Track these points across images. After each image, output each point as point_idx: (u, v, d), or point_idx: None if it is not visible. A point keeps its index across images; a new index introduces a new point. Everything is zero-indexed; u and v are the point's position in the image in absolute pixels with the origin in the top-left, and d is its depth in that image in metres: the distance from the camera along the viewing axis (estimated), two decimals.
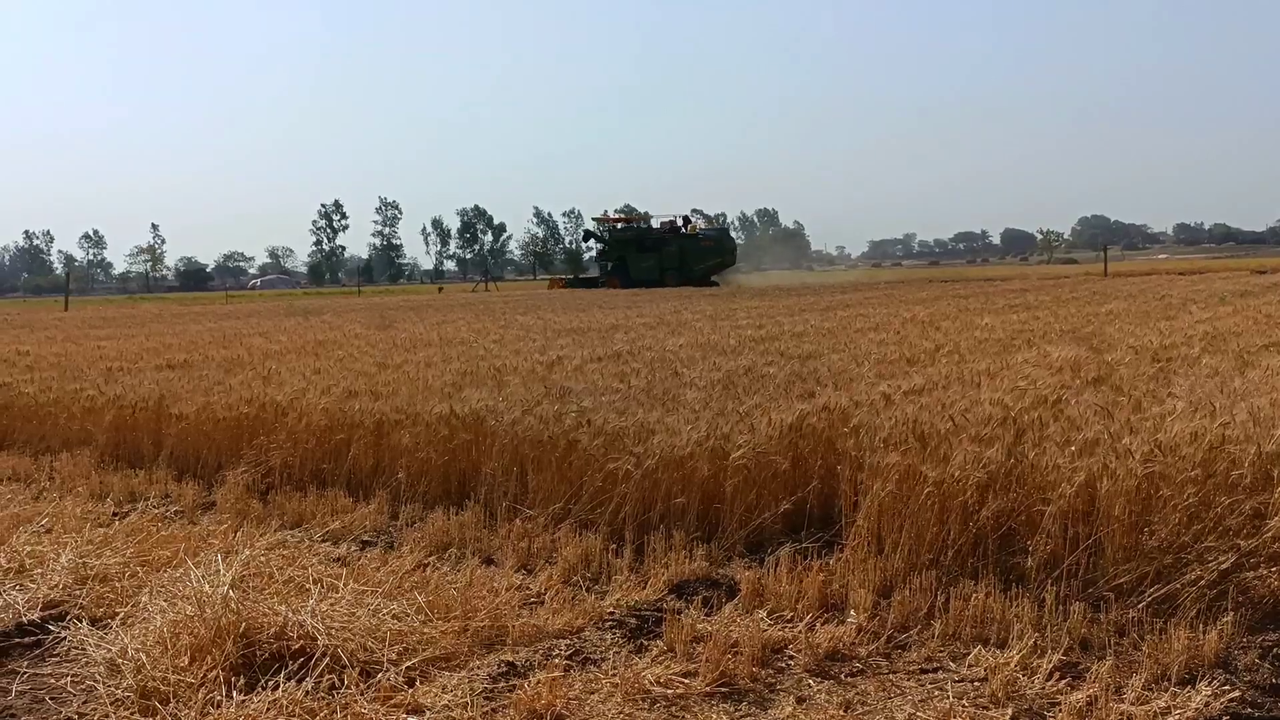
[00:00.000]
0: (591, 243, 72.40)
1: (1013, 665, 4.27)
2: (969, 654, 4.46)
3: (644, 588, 5.39)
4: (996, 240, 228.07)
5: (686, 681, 4.24)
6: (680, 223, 65.68)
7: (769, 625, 4.80)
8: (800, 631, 4.70)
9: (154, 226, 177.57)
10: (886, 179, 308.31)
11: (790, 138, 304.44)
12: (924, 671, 4.37)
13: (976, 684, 4.21)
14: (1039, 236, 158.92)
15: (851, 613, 4.90)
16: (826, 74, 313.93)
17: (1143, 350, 10.56)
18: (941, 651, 4.54)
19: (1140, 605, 4.70)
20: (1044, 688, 4.11)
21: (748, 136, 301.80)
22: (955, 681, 4.25)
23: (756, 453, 6.25)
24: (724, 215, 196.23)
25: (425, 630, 4.65)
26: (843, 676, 4.33)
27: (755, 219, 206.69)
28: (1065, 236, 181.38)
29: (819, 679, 4.31)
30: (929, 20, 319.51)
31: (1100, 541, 5.02)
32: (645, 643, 4.70)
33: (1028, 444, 5.72)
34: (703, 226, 71.05)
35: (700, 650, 4.49)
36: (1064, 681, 4.15)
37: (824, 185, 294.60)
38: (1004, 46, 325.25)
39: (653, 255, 62.17)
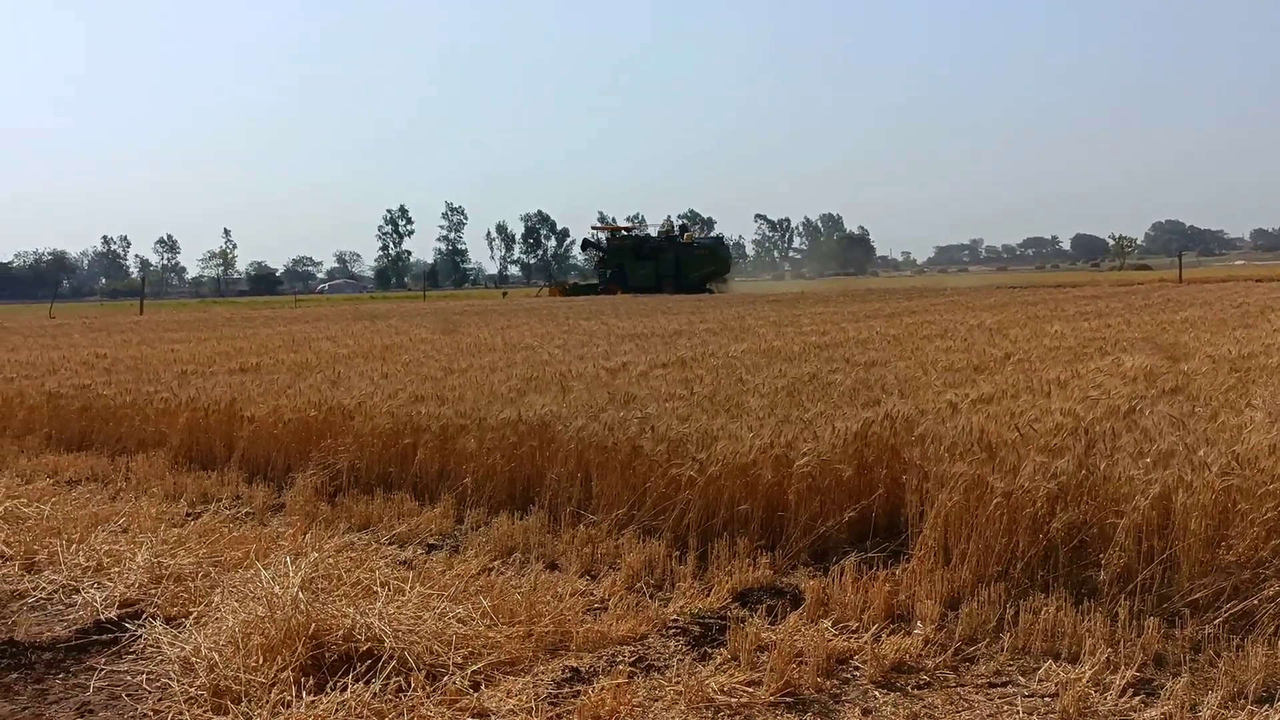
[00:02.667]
0: (590, 251, 74.50)
1: (1085, 681, 4.20)
2: (1039, 669, 4.39)
3: (708, 595, 5.38)
4: (1067, 246, 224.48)
5: (751, 690, 4.22)
6: (676, 232, 67.79)
7: (834, 635, 4.76)
8: (866, 642, 4.65)
9: (226, 231, 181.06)
10: (953, 183, 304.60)
11: (855, 141, 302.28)
12: (993, 685, 4.30)
13: (1047, 699, 4.14)
14: (1111, 242, 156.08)
15: (918, 624, 4.85)
16: (893, 76, 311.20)
17: (1220, 359, 10.31)
18: (1011, 665, 4.47)
19: (1216, 621, 4.59)
20: (1117, 704, 4.03)
21: (810, 140, 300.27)
22: (1025, 696, 4.19)
23: (821, 461, 6.20)
24: (787, 220, 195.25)
25: (490, 634, 4.69)
26: (909, 689, 4.29)
27: (819, 224, 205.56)
28: (1138, 242, 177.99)
29: (885, 691, 4.27)
30: (1000, 22, 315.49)
31: (1175, 556, 4.91)
32: (709, 651, 4.69)
33: (1100, 455, 5.61)
34: (698, 236, 72.65)
35: (765, 659, 4.47)
36: (1138, 698, 4.07)
37: (890, 190, 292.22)
38: (1076, 48, 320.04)
39: (650, 263, 63.98)
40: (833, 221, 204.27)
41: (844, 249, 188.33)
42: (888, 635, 4.74)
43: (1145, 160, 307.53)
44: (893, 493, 6.19)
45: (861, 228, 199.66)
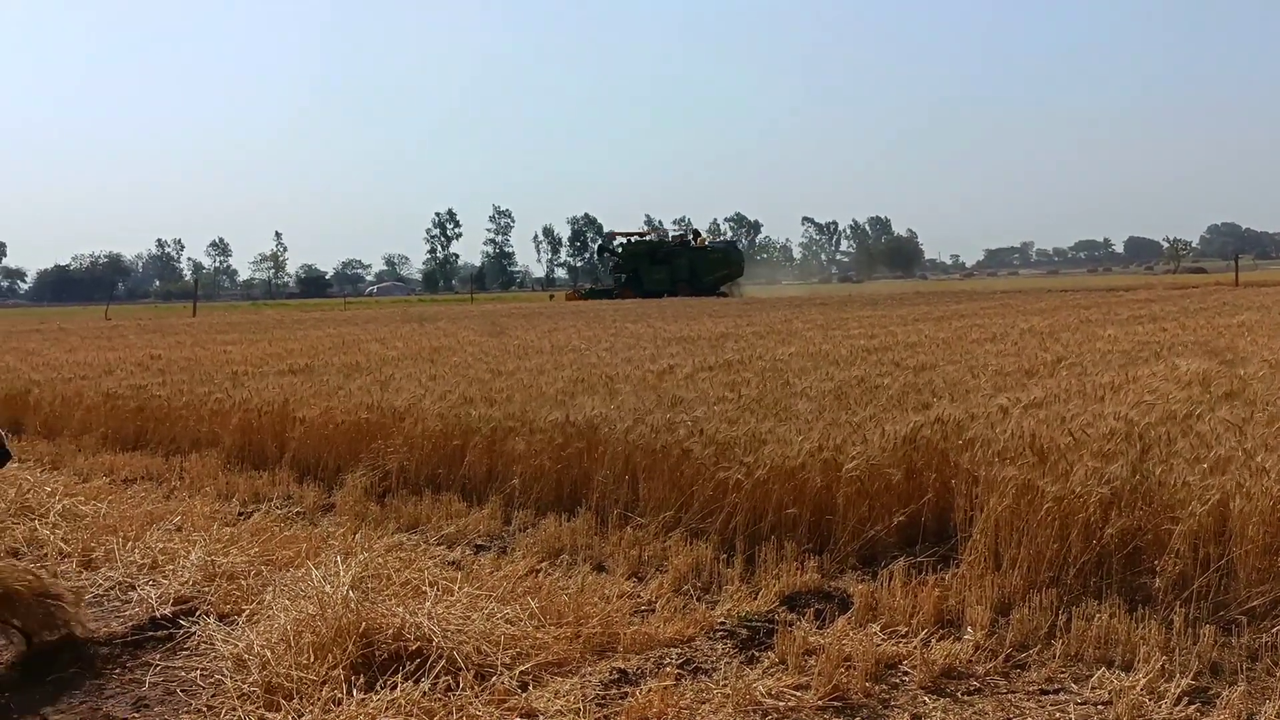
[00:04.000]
0: (606, 257, 75.50)
1: (1139, 689, 4.14)
2: (1092, 676, 4.33)
3: (755, 598, 5.36)
4: (1120, 249, 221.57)
5: (799, 694, 4.20)
6: (690, 236, 69.44)
7: (883, 640, 4.73)
8: (915, 647, 4.62)
9: (277, 234, 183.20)
10: (1003, 186, 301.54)
11: (904, 144, 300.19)
12: (1044, 692, 4.25)
13: (1100, 707, 4.08)
14: (1165, 245, 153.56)
15: (968, 629, 4.80)
16: (943, 77, 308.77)
17: (1278, 364, 10.12)
18: (1063, 672, 4.41)
19: (1275, 630, 4.51)
20: (1171, 713, 3.97)
21: (858, 142, 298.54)
22: (1078, 704, 4.13)
23: (870, 464, 6.17)
24: (835, 223, 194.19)
25: (538, 635, 4.71)
26: (959, 695, 4.25)
27: (867, 227, 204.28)
28: (1193, 245, 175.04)
29: (935, 696, 4.23)
30: (1053, 20, 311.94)
31: (1232, 563, 4.83)
32: (756, 654, 4.67)
33: (1155, 460, 5.54)
34: (710, 240, 73.69)
35: (812, 663, 4.45)
36: (1193, 707, 4.00)
37: (939, 192, 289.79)
38: (1130, 46, 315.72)
39: (665, 267, 64.92)
40: (880, 224, 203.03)
41: (891, 252, 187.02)
42: (937, 640, 4.70)
43: (1201, 161, 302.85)
44: (942, 497, 6.15)
45: (910, 230, 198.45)
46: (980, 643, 4.65)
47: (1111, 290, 42.76)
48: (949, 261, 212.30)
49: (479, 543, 6.69)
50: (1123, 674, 4.31)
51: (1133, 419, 6.56)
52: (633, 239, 73.25)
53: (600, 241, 74.47)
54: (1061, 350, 12.60)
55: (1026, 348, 13.34)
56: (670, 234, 70.88)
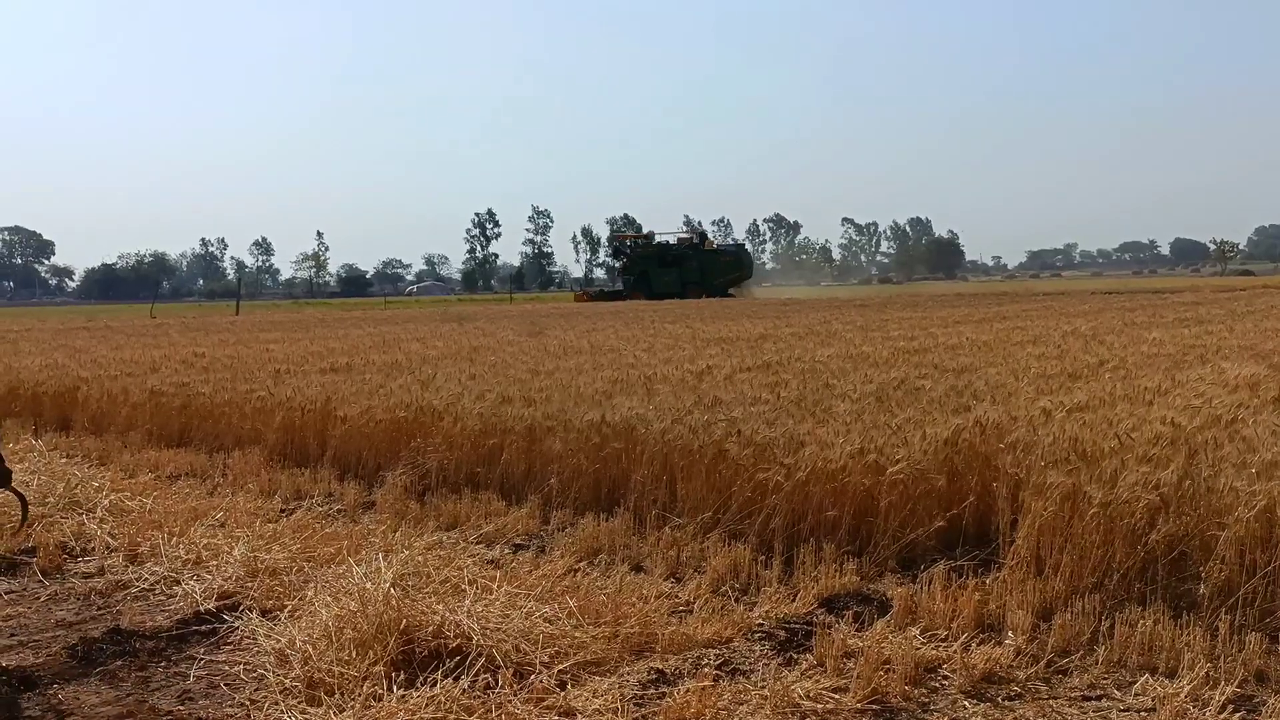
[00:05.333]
0: (618, 258, 76.28)
1: (1183, 696, 4.09)
2: (1135, 682, 4.29)
3: (793, 600, 5.35)
4: (1165, 251, 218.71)
5: (837, 697, 4.19)
6: (697, 239, 69.93)
7: (922, 644, 4.70)
8: (955, 651, 4.59)
9: (319, 234, 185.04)
10: (1047, 187, 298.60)
11: (945, 143, 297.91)
12: (1086, 699, 4.21)
13: (1143, 714, 4.04)
14: (1212, 247, 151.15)
15: (1009, 634, 4.76)
16: (985, 76, 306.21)
17: None
18: (1105, 679, 4.37)
19: None
20: None
21: (899, 142, 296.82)
22: (1121, 711, 4.09)
23: (910, 467, 6.13)
24: (875, 224, 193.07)
25: (576, 634, 4.72)
26: (1000, 700, 4.21)
27: (907, 228, 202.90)
28: (1241, 247, 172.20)
29: (975, 701, 4.20)
30: (1099, 18, 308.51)
31: None
32: (795, 656, 4.66)
33: (1202, 465, 5.46)
34: (724, 243, 74.31)
35: (851, 666, 4.44)
36: (1238, 715, 3.95)
37: (981, 193, 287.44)
38: (1177, 45, 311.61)
39: (674, 269, 65.42)
40: (921, 225, 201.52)
41: (932, 253, 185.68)
42: (977, 645, 4.67)
43: (1248, 162, 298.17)
44: (983, 501, 6.10)
45: (951, 231, 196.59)
46: (1021, 648, 4.61)
47: (1157, 292, 42.21)
48: (990, 263, 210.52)
49: (517, 542, 6.72)
50: (1166, 681, 4.26)
51: (1179, 423, 6.48)
52: (639, 241, 74.32)
53: (614, 244, 75.09)
54: (1106, 353, 12.46)
55: (1070, 350, 13.20)
56: (674, 237, 71.50)
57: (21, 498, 6.52)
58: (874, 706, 4.15)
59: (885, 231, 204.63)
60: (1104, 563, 5.12)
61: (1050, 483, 5.45)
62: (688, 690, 4.18)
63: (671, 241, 70.44)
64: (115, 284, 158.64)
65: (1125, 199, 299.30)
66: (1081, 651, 4.59)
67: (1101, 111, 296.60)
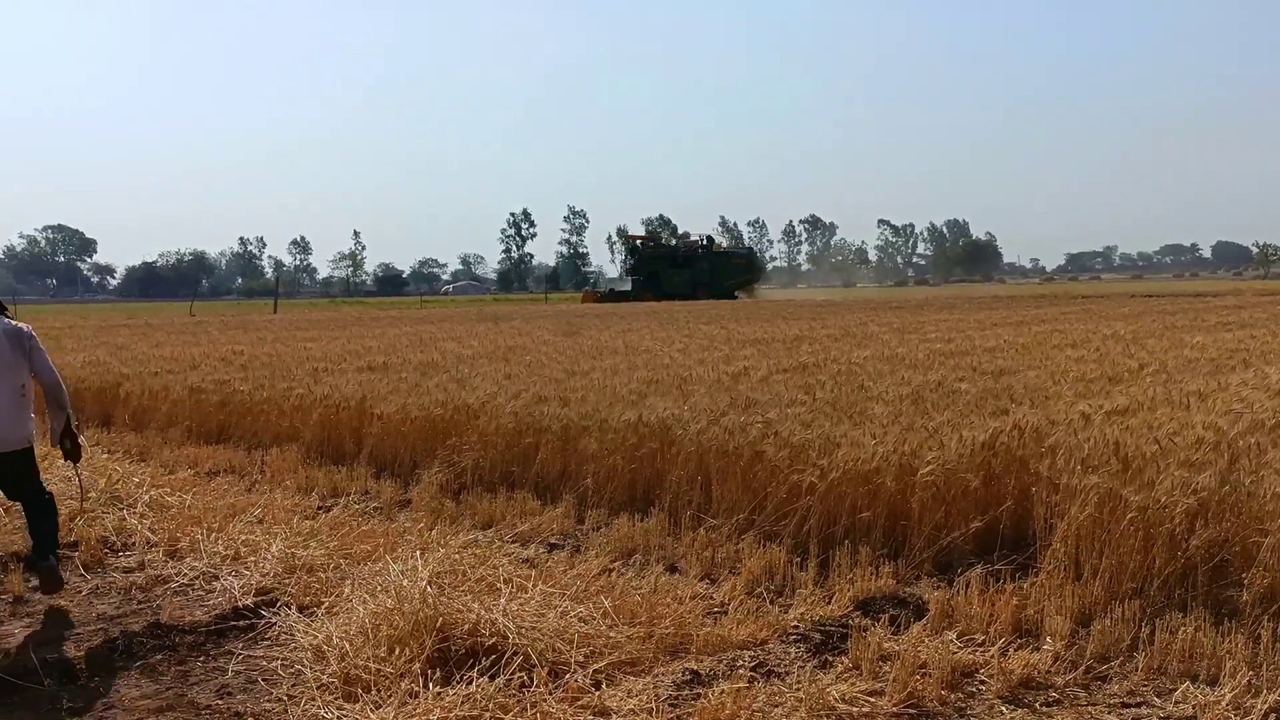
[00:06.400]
0: (628, 259, 76.80)
1: (1224, 704, 4.03)
2: (1175, 690, 4.23)
3: (829, 603, 5.33)
4: (1207, 253, 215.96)
5: (873, 700, 4.17)
6: (705, 241, 70.82)
7: (959, 648, 4.67)
8: (992, 656, 4.55)
9: (356, 234, 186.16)
10: (1087, 188, 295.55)
11: (983, 145, 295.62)
12: (1126, 706, 4.16)
13: None
14: (1255, 250, 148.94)
15: (1047, 640, 4.71)
16: (1023, 77, 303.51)
17: None
18: (1145, 686, 4.32)
19: None
20: None
21: (935, 143, 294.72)
22: (1161, 718, 4.04)
23: (946, 470, 6.09)
24: (912, 225, 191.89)
25: (611, 634, 4.72)
26: (1037, 706, 4.17)
27: (944, 230, 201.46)
28: None
29: (1012, 706, 4.16)
30: (1137, 18, 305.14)
31: None
32: (830, 659, 4.64)
33: (1244, 471, 5.39)
34: (736, 246, 74.76)
35: (887, 670, 4.41)
36: None
37: (1019, 195, 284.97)
38: (1216, 45, 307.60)
39: (685, 271, 66.25)
40: (958, 227, 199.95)
41: (969, 255, 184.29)
42: (1015, 650, 4.63)
43: None
44: (1021, 504, 6.05)
45: (988, 233, 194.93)
46: (1060, 653, 4.57)
47: (1198, 296, 41.68)
48: (1028, 265, 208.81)
49: (552, 541, 6.73)
50: (1207, 689, 4.21)
51: (1221, 428, 6.39)
52: (649, 243, 75.69)
53: (629, 244, 75.94)
54: (1146, 357, 12.32)
55: (1109, 354, 13.07)
56: (678, 239, 72.89)
57: (82, 482, 6.63)
58: (910, 711, 4.12)
59: (922, 233, 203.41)
60: (1144, 568, 5.07)
61: (1089, 487, 5.40)
62: (722, 692, 4.18)
63: (680, 244, 71.55)
64: (155, 282, 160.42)
65: (1166, 201, 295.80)
66: (1121, 658, 4.54)
67: (1142, 112, 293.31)
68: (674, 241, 77.75)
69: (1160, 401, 8.06)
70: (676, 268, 66.92)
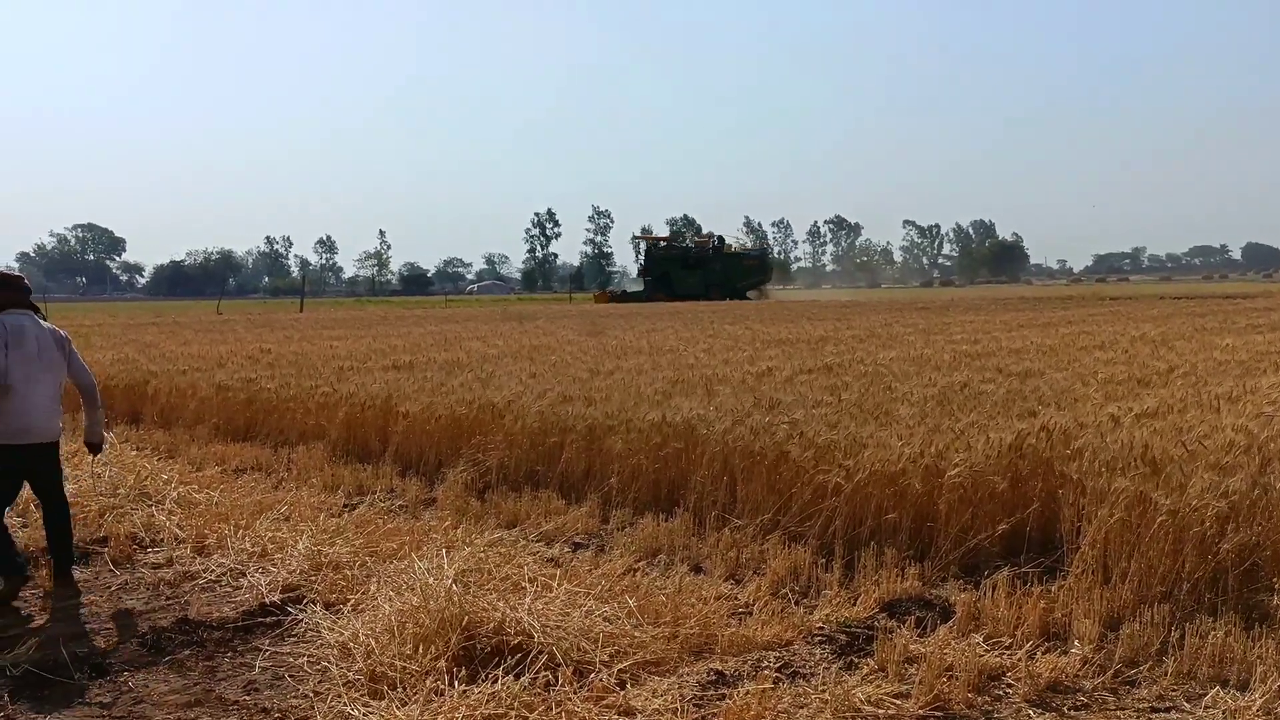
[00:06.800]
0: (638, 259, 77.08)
1: (1254, 710, 3.99)
2: (1205, 695, 4.19)
3: (854, 604, 5.31)
4: (1237, 255, 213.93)
5: (899, 703, 4.14)
6: (716, 242, 71.10)
7: (986, 651, 4.64)
8: (1019, 659, 4.52)
9: (381, 233, 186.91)
10: (1115, 189, 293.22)
11: (1009, 145, 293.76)
12: (1155, 710, 4.13)
13: None
14: None
15: (1075, 643, 4.68)
16: (1049, 76, 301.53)
17: None
18: (1175, 690, 4.28)
19: None
20: None
21: (962, 144, 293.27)
22: None
23: (973, 472, 6.06)
24: (938, 226, 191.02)
25: (636, 634, 4.72)
26: (1065, 710, 4.14)
27: (970, 230, 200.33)
28: None
29: (1040, 710, 4.13)
30: (1165, 17, 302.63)
31: None
32: (855, 660, 4.63)
33: (1275, 474, 5.34)
34: (748, 248, 74.94)
35: (913, 672, 4.39)
36: None
37: (1046, 195, 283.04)
38: (1243, 50, 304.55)
39: (697, 271, 66.60)
40: (984, 228, 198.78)
41: (995, 256, 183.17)
42: (1042, 653, 4.59)
43: None
44: (1048, 507, 6.01)
45: (1015, 234, 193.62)
46: (1088, 657, 4.53)
47: (1228, 298, 41.29)
48: (1055, 266, 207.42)
49: (577, 540, 6.74)
50: (1238, 694, 4.17)
51: (1252, 431, 6.34)
52: (661, 243, 75.92)
53: (637, 245, 76.62)
54: (1175, 359, 12.22)
55: (1138, 356, 12.97)
56: (690, 240, 73.50)
57: (109, 475, 6.71)
58: (936, 714, 4.10)
59: (947, 234, 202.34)
60: (1173, 572, 5.03)
61: (1117, 490, 5.36)
62: (747, 692, 4.17)
63: (692, 245, 71.85)
64: (183, 280, 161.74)
65: (1195, 202, 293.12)
66: (1150, 662, 4.50)
67: (1172, 112, 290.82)
68: (686, 242, 78.11)
69: (1190, 404, 7.99)
70: (688, 268, 67.26)
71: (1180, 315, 25.45)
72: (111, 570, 6.32)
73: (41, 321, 6.11)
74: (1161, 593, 4.97)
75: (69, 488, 7.88)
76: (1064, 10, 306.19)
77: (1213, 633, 4.53)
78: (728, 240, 73.06)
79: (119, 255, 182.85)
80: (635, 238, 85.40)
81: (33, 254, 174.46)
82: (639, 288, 71.44)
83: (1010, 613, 4.96)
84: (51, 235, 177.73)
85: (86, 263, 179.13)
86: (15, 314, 5.97)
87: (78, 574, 6.22)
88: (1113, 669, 4.44)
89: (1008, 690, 4.32)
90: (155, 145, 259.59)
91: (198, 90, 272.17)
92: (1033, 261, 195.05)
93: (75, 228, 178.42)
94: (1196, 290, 61.79)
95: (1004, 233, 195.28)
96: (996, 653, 4.63)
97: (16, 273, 6.23)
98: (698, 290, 62.42)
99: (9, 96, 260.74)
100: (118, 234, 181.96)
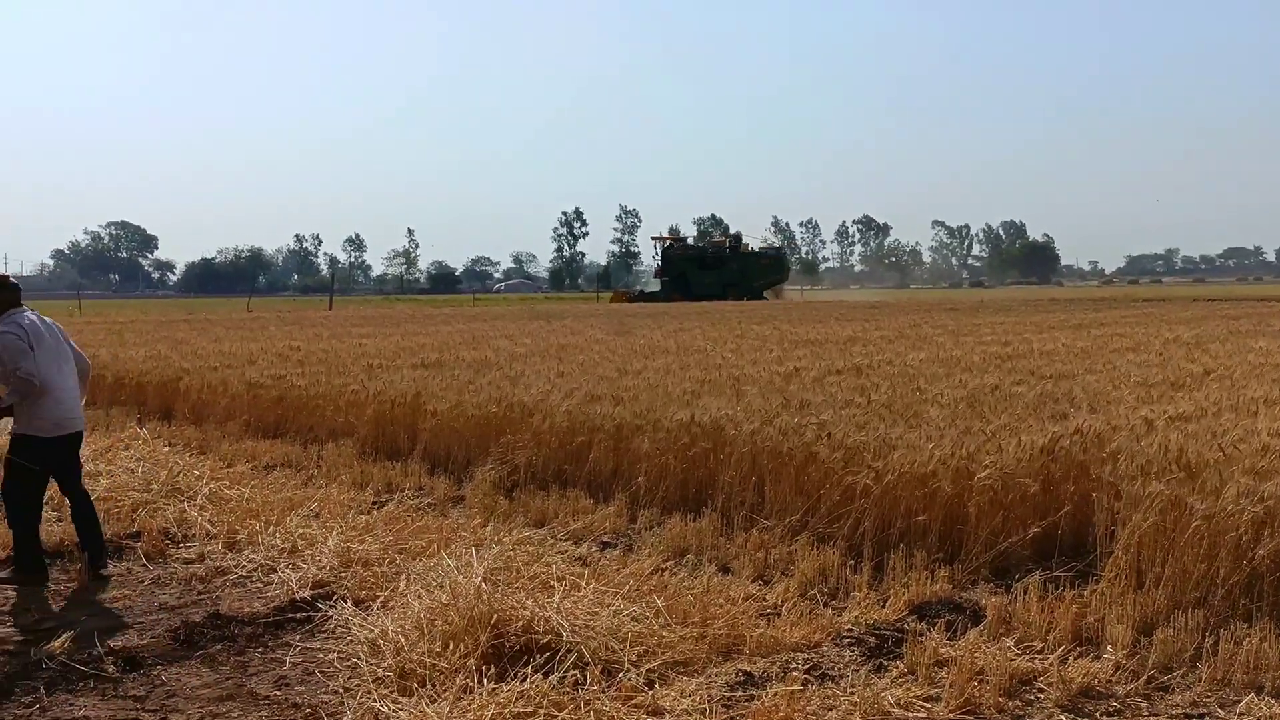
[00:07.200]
0: (655, 260, 77.79)
1: None
2: (1240, 701, 4.15)
3: (883, 607, 5.28)
4: (1271, 257, 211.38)
5: (928, 706, 4.12)
6: (733, 242, 71.54)
7: (1017, 655, 4.61)
8: (1051, 664, 4.48)
9: (409, 232, 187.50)
10: (1147, 190, 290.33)
11: (1041, 145, 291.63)
12: (1189, 717, 4.09)
13: None
14: None
15: (1108, 648, 4.64)
16: (1080, 75, 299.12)
17: None
18: (1209, 697, 4.24)
19: None
20: None
21: (993, 144, 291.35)
22: None
23: (1004, 474, 6.02)
24: (967, 227, 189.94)
25: (664, 634, 4.72)
26: (1098, 715, 4.11)
27: (1000, 231, 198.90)
28: None
29: (1072, 715, 4.10)
30: (1202, 22, 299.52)
31: None
32: (885, 663, 4.60)
33: None
34: (765, 248, 75.42)
35: (943, 675, 4.37)
36: None
37: (1077, 196, 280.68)
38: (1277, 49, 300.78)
39: (714, 272, 66.74)
40: (1015, 228, 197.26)
41: (1026, 257, 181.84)
42: (1074, 658, 4.56)
43: None
44: (1080, 510, 5.97)
45: (1046, 235, 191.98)
46: (1120, 662, 4.49)
47: (1263, 300, 40.85)
48: (1087, 268, 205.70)
49: (604, 539, 6.74)
50: (1273, 700, 4.12)
51: None
52: (677, 244, 75.86)
53: (661, 246, 76.24)
54: (1210, 362, 12.09)
55: (1172, 359, 12.84)
56: (706, 241, 73.81)
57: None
58: (967, 717, 4.08)
59: (977, 234, 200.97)
60: (1207, 577, 4.97)
61: (1151, 493, 5.31)
62: (776, 694, 4.16)
63: (708, 245, 72.40)
64: (214, 278, 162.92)
65: (1229, 203, 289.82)
66: (1184, 668, 4.46)
67: (1204, 111, 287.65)
68: (702, 243, 78.33)
69: (1225, 408, 7.91)
70: (705, 269, 67.39)
71: (1214, 318, 25.19)
72: (144, 565, 6.38)
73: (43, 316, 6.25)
74: (1195, 598, 4.92)
75: (103, 483, 8.02)
76: (1095, 8, 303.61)
77: (1247, 639, 4.48)
78: (745, 240, 73.15)
79: (151, 253, 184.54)
80: (653, 238, 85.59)
81: (67, 251, 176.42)
82: (657, 288, 71.45)
83: (1042, 617, 4.92)
84: (85, 233, 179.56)
85: (120, 260, 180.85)
86: (20, 313, 6.07)
87: (111, 568, 6.28)
88: (1146, 675, 4.40)
89: (1039, 695, 4.28)
90: (186, 143, 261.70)
91: (229, 89, 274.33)
92: (1064, 263, 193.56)
93: (109, 225, 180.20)
94: (1230, 292, 61.22)
95: (1035, 233, 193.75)
96: (1028, 657, 4.60)
97: (6, 274, 6.33)
98: (715, 290, 62.46)
99: (48, 93, 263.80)
100: (150, 231, 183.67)
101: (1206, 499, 5.15)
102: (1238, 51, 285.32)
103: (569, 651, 4.37)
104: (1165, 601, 4.94)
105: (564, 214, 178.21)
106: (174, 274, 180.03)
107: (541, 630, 4.51)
